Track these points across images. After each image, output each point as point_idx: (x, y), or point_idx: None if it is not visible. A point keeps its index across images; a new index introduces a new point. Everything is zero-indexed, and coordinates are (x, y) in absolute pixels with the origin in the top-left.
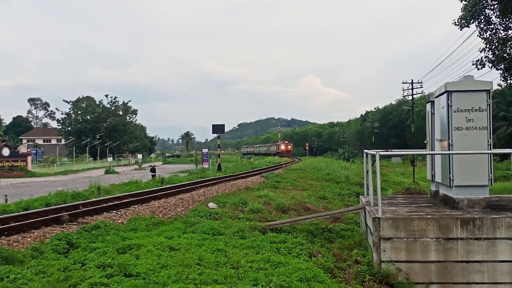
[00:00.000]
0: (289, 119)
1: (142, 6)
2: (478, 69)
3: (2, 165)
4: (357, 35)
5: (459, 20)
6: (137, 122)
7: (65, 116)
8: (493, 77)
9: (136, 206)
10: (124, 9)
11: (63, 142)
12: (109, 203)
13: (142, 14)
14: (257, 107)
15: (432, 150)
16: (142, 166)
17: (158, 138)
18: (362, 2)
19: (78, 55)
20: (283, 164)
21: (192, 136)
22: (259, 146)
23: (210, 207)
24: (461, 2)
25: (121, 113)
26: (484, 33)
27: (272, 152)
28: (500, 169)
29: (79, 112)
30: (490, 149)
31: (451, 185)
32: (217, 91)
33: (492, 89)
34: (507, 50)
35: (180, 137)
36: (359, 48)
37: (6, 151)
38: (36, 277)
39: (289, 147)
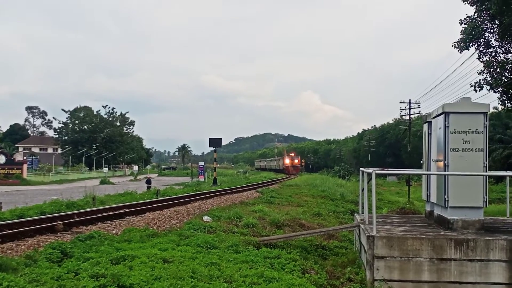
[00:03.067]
0: (286, 134)
1: (143, 15)
2: (476, 91)
3: (1, 173)
4: (358, 52)
5: (458, 43)
6: (134, 133)
7: (62, 125)
8: (491, 100)
9: (131, 217)
10: (125, 18)
11: (59, 151)
12: (104, 214)
13: (143, 23)
14: (255, 122)
15: (428, 170)
16: (138, 178)
17: (155, 150)
18: (362, 20)
19: (78, 64)
20: (279, 180)
21: (189, 149)
22: (271, 160)
23: (205, 220)
24: (461, 25)
25: (118, 124)
26: (483, 56)
27: (275, 167)
28: (495, 192)
29: (76, 121)
30: (486, 171)
31: (446, 205)
32: (215, 104)
33: (489, 111)
34: (506, 73)
35: (177, 149)
36: (358, 65)
37: (2, 159)
38: (29, 285)
39: (296, 161)
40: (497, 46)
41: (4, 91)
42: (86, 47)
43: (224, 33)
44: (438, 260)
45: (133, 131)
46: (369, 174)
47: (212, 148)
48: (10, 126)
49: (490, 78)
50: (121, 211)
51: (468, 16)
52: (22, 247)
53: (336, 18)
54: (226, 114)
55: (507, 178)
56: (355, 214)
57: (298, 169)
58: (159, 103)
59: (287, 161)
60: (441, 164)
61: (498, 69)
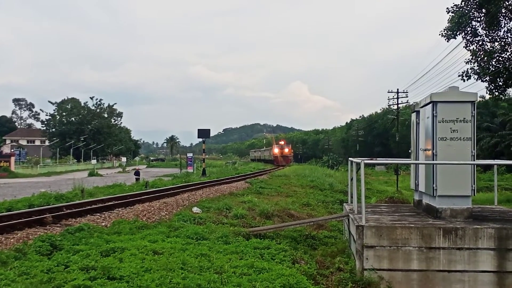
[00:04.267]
0: (275, 125)
1: (133, 6)
2: (464, 80)
3: None
4: (346, 42)
5: (445, 31)
6: (122, 125)
7: (50, 117)
8: (478, 89)
9: (120, 209)
10: (112, 9)
11: (47, 143)
12: (93, 206)
13: (132, 15)
14: (243, 112)
15: (416, 160)
16: (126, 169)
17: (143, 141)
18: (351, 14)
19: (66, 56)
20: (268, 170)
21: (177, 140)
22: (264, 150)
23: (194, 211)
24: (448, 13)
25: (106, 115)
26: (470, 45)
27: (268, 158)
28: (483, 180)
29: (64, 113)
30: (474, 160)
31: (434, 194)
32: (204, 96)
33: (477, 100)
34: (493, 62)
35: (165, 141)
36: (346, 55)
37: None
38: (19, 278)
39: (286, 150)
40: (484, 35)
41: None
42: (73, 38)
43: (213, 25)
44: (427, 249)
45: (121, 122)
46: (358, 164)
47: (200, 139)
48: None
49: (477, 67)
50: (110, 203)
51: (455, 5)
52: (11, 240)
53: (325, 12)
54: (215, 105)
55: (495, 166)
56: (344, 203)
57: (289, 160)
58: (147, 95)
59: (276, 150)
60: (429, 153)
61: (485, 58)
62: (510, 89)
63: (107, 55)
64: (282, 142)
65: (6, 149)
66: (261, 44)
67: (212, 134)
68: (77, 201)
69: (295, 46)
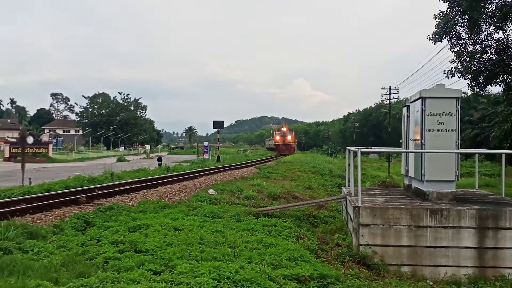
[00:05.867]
0: (280, 117)
1: (150, 9)
2: (448, 78)
3: (26, 151)
4: (344, 41)
5: (433, 35)
6: (146, 117)
7: (83, 109)
8: (461, 86)
9: (145, 191)
10: (135, 14)
11: (80, 132)
12: (121, 188)
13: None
14: (253, 106)
15: (406, 149)
16: (150, 156)
17: (165, 131)
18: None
19: (98, 55)
20: (274, 157)
21: (195, 130)
22: (270, 139)
23: (210, 193)
24: (435, 20)
25: (132, 108)
26: (455, 47)
27: (271, 147)
28: (465, 167)
29: (95, 106)
30: (458, 149)
31: (423, 179)
32: (217, 91)
33: (461, 96)
34: (474, 62)
35: (184, 131)
36: (345, 54)
37: (30, 139)
38: (57, 250)
39: (289, 137)
40: (466, 38)
41: (32, 80)
42: (103, 40)
43: (226, 28)
44: (416, 227)
45: (146, 114)
46: (355, 152)
47: (215, 130)
48: (37, 110)
49: (460, 67)
50: (136, 185)
51: (441, 12)
52: (50, 217)
53: (327, 18)
54: (228, 99)
55: (476, 155)
56: (342, 187)
57: (292, 148)
58: (168, 90)
59: (277, 138)
60: (419, 142)
61: (468, 59)
62: (489, 86)
63: (132, 55)
64: (284, 129)
65: (45, 138)
66: (270, 43)
67: (225, 125)
68: (107, 183)
69: (298, 47)
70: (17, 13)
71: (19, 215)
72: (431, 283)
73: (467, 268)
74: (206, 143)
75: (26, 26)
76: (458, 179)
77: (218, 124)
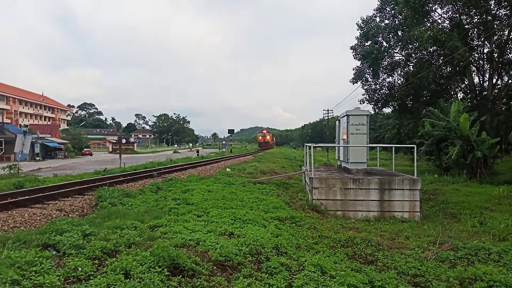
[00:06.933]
0: (265, 126)
1: (193, 59)
2: (361, 104)
3: (123, 148)
4: (297, 82)
5: (351, 79)
6: (189, 127)
7: (153, 123)
8: (369, 108)
9: (190, 169)
10: (178, 63)
11: (152, 136)
12: (176, 168)
13: (189, 65)
14: (250, 120)
15: (339, 144)
16: (192, 150)
17: (200, 135)
18: (299, 68)
19: (161, 91)
20: (266, 149)
21: (217, 135)
22: None
23: (227, 171)
24: (353, 70)
25: (181, 122)
26: (364, 86)
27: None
28: (371, 155)
29: (160, 121)
30: (367, 144)
31: (348, 161)
32: (230, 112)
33: (369, 114)
34: (375, 95)
35: (211, 135)
36: (301, 90)
37: (123, 141)
38: (142, 204)
39: (268, 137)
40: (371, 81)
41: (124, 107)
42: (164, 82)
43: (230, 72)
44: (344, 189)
45: (189, 125)
46: (309, 146)
47: (229, 134)
48: (127, 124)
49: (368, 97)
50: (185, 166)
51: (357, 66)
52: (137, 185)
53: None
54: (236, 117)
55: (378, 148)
56: (302, 166)
57: (270, 145)
58: (201, 111)
59: (260, 137)
60: (345, 140)
61: (372, 93)
62: (384, 108)
63: (182, 91)
64: (264, 131)
65: (132, 140)
66: (259, 85)
67: (235, 131)
68: (168, 165)
69: (274, 84)
70: (120, 69)
71: (119, 183)
72: (353, 220)
73: (374, 212)
74: (224, 142)
75: (122, 75)
76: (368, 162)
77: (231, 131)
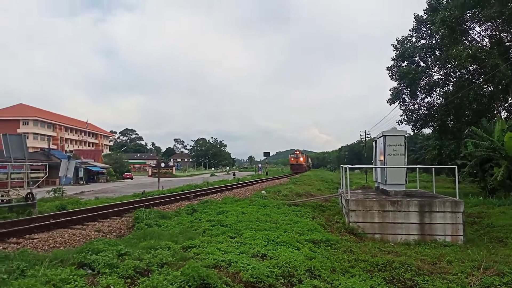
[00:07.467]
0: (302, 149)
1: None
2: (399, 124)
3: (162, 171)
4: (335, 106)
5: (388, 100)
6: (226, 151)
7: (191, 147)
8: (407, 128)
9: (225, 191)
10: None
11: (190, 160)
12: (212, 190)
13: (224, 90)
14: (285, 143)
15: (376, 165)
16: (228, 172)
17: (236, 158)
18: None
19: (200, 116)
20: (299, 172)
21: (253, 158)
22: None
23: (262, 193)
24: (389, 91)
25: (218, 146)
26: (402, 106)
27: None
28: (410, 177)
29: (198, 145)
30: (406, 165)
31: (386, 183)
32: (266, 135)
33: (406, 134)
34: (414, 116)
35: (248, 158)
36: (337, 112)
37: (162, 165)
38: (177, 225)
39: (301, 159)
40: (409, 101)
41: (164, 132)
42: (203, 108)
43: (266, 94)
44: (382, 211)
45: (226, 149)
46: (345, 168)
47: (265, 157)
48: (166, 148)
49: (406, 118)
50: (220, 188)
51: (393, 87)
52: (173, 207)
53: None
54: (272, 140)
55: (417, 169)
56: (338, 188)
57: (304, 167)
58: (238, 135)
59: (292, 159)
60: (383, 162)
61: (410, 113)
62: (423, 129)
63: (217, 114)
64: (297, 152)
65: (171, 163)
66: (294, 107)
67: (270, 154)
68: (205, 188)
69: (307, 108)
70: (160, 92)
71: (156, 205)
72: (392, 244)
73: (414, 235)
74: (260, 165)
75: (161, 100)
76: (406, 183)
77: (266, 154)
